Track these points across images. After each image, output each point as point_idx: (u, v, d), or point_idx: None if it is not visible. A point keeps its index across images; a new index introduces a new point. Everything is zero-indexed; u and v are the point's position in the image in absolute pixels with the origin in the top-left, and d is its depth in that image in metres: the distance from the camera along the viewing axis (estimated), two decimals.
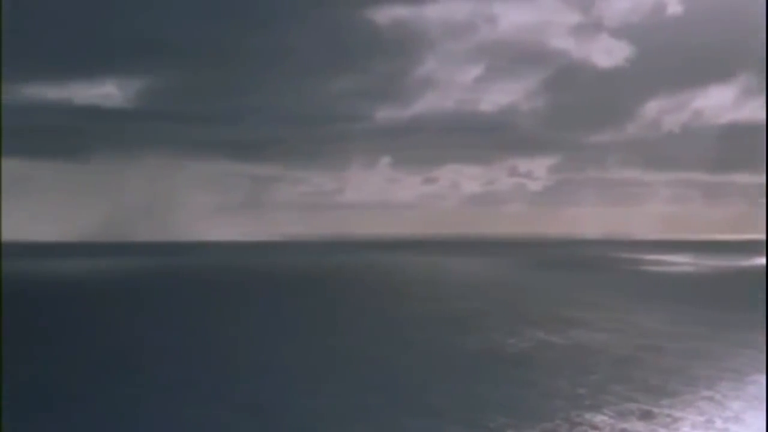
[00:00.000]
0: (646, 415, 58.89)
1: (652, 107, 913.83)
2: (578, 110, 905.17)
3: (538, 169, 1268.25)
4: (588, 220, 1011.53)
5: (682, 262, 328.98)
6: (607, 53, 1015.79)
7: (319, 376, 75.04)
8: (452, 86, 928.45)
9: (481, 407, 61.29)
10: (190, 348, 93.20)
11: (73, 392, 68.73)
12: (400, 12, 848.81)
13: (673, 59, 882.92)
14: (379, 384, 71.33)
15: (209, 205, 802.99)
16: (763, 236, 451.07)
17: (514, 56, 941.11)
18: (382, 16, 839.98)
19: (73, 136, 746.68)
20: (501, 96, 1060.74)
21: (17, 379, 74.61)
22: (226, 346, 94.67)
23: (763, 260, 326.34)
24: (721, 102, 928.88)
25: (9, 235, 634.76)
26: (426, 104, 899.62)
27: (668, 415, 58.82)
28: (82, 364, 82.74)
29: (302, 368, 79.35)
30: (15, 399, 65.60)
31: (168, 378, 74.56)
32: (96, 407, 62.78)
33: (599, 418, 57.90)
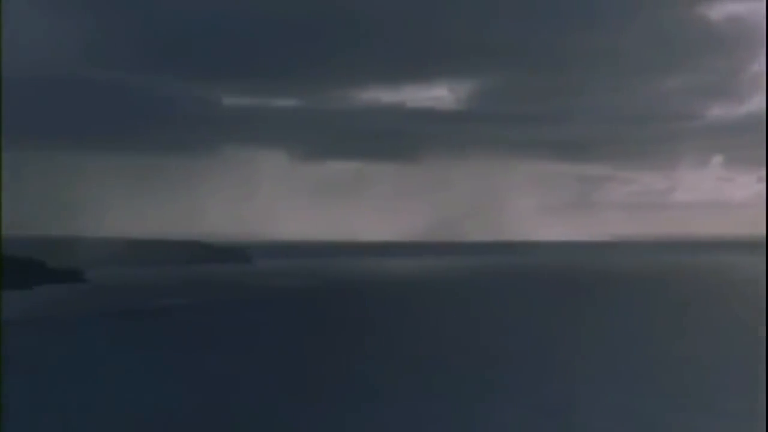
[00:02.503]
0: None
1: None
2: None
3: None
4: None
5: None
6: None
7: (639, 378, 74.10)
8: None
9: None
10: (516, 348, 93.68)
11: (376, 387, 70.82)
12: (735, 8, 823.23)
13: None
14: (696, 387, 69.71)
15: (537, 205, 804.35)
16: None
17: None
18: (716, 12, 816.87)
19: (405, 138, 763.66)
20: None
21: (330, 371, 76.96)
22: (556, 348, 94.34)
23: None
24: None
25: (343, 236, 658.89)
26: (761, 101, 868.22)
27: None
28: (400, 361, 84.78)
29: (626, 371, 78.51)
30: (326, 391, 67.76)
31: (488, 379, 75.46)
32: (399, 405, 63.93)
33: None
